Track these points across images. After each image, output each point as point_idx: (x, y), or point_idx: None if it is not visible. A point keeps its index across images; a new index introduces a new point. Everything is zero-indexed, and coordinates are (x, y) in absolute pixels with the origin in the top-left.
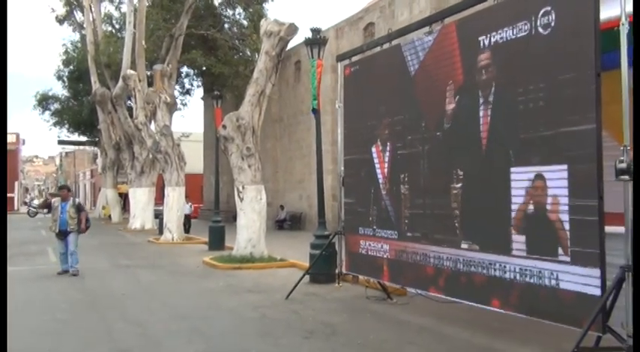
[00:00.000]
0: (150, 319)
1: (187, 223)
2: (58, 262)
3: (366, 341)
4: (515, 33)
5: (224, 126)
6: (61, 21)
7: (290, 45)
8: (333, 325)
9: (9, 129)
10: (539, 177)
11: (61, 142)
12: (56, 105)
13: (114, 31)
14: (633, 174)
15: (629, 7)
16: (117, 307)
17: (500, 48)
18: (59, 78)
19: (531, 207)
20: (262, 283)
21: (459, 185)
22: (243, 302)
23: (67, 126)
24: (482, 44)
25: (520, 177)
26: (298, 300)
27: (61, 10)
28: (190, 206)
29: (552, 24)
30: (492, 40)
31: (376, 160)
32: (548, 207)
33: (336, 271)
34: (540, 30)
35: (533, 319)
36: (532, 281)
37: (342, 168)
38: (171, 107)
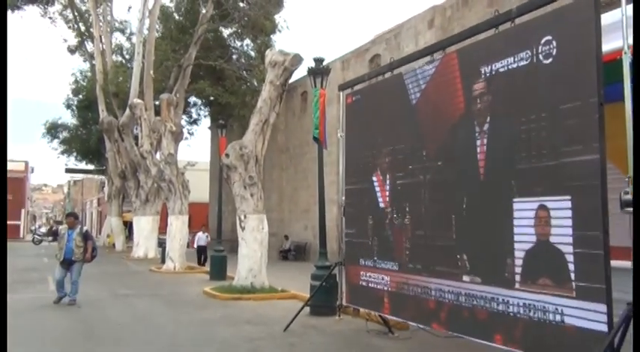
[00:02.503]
0: (143, 350)
1: (204, 254)
2: (55, 289)
3: None
4: (516, 62)
5: (227, 155)
6: (72, 51)
7: (297, 76)
8: None
9: (17, 158)
10: (542, 208)
11: (68, 170)
12: (65, 134)
13: (124, 61)
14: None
15: (631, 39)
16: (111, 338)
17: (502, 77)
18: (68, 106)
19: (534, 239)
20: (261, 314)
21: (461, 216)
22: (239, 334)
23: (75, 154)
24: (483, 73)
25: (523, 208)
26: (297, 333)
27: (73, 41)
28: (207, 237)
29: (554, 53)
30: (494, 69)
31: (376, 190)
32: (552, 239)
33: (337, 303)
34: (542, 59)
35: None
36: (536, 316)
37: (343, 198)
38: (177, 136)
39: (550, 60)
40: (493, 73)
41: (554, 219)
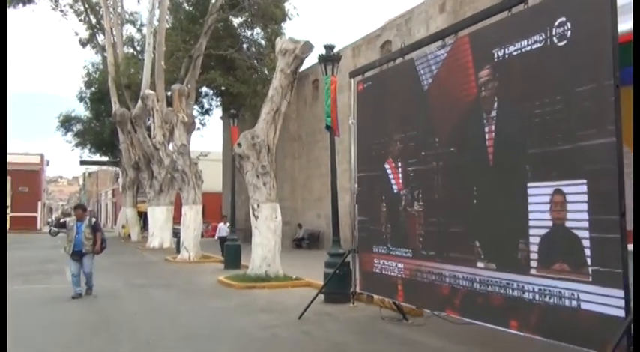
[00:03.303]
0: (158, 339)
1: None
2: (71, 284)
3: None
4: (530, 45)
5: (239, 144)
6: (84, 44)
7: (308, 64)
8: (345, 346)
9: (33, 151)
10: (558, 192)
11: (83, 162)
12: (78, 126)
13: (135, 52)
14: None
15: None
16: (128, 327)
17: (515, 60)
18: (81, 99)
19: (550, 223)
20: (276, 302)
21: (474, 202)
22: (254, 322)
23: (89, 146)
24: (496, 57)
25: (538, 193)
26: (311, 320)
27: (85, 34)
28: (228, 227)
29: (568, 35)
30: (507, 52)
31: (389, 177)
32: (568, 224)
33: (351, 290)
34: (556, 41)
35: (553, 342)
36: (551, 301)
37: (356, 186)
38: (189, 126)
39: (564, 42)
40: (506, 56)
41: (569, 204)
